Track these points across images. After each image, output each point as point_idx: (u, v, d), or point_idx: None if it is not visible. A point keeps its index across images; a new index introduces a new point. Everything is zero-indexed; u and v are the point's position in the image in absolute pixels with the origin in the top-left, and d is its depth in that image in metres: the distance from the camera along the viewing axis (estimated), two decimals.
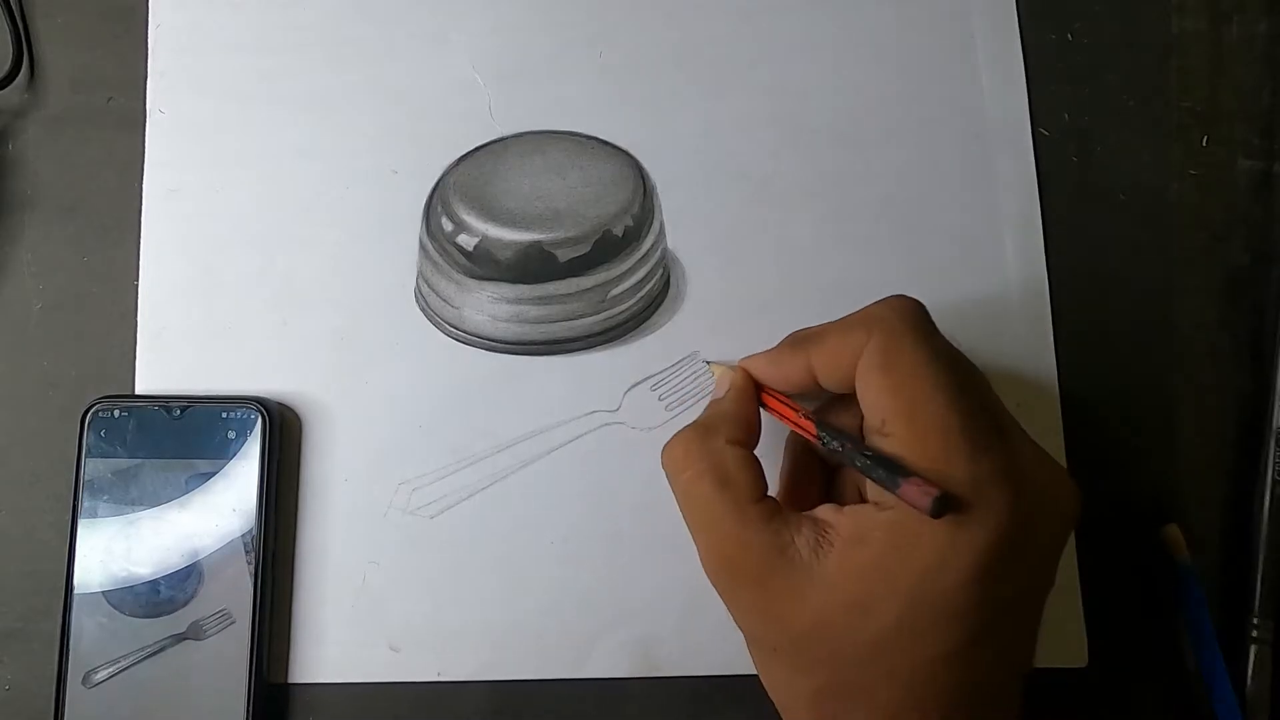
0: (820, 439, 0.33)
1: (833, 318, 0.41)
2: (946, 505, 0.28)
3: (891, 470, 0.30)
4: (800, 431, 0.34)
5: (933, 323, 0.33)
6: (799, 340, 0.35)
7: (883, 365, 0.31)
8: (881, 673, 0.30)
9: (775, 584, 0.31)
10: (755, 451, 0.34)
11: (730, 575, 0.32)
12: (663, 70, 0.43)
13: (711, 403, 0.37)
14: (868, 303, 0.41)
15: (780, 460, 0.37)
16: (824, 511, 0.32)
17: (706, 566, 0.33)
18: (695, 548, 0.33)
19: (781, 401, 0.35)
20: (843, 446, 0.32)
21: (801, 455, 0.37)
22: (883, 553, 0.30)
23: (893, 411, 0.31)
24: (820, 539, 0.31)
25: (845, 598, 0.30)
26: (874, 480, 0.31)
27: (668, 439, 0.35)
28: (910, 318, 0.32)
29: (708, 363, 0.40)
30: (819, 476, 0.37)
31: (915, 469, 0.29)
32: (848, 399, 0.34)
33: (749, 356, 0.36)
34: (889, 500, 0.30)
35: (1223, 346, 0.42)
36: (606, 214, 0.41)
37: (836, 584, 0.30)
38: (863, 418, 0.32)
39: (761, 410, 0.36)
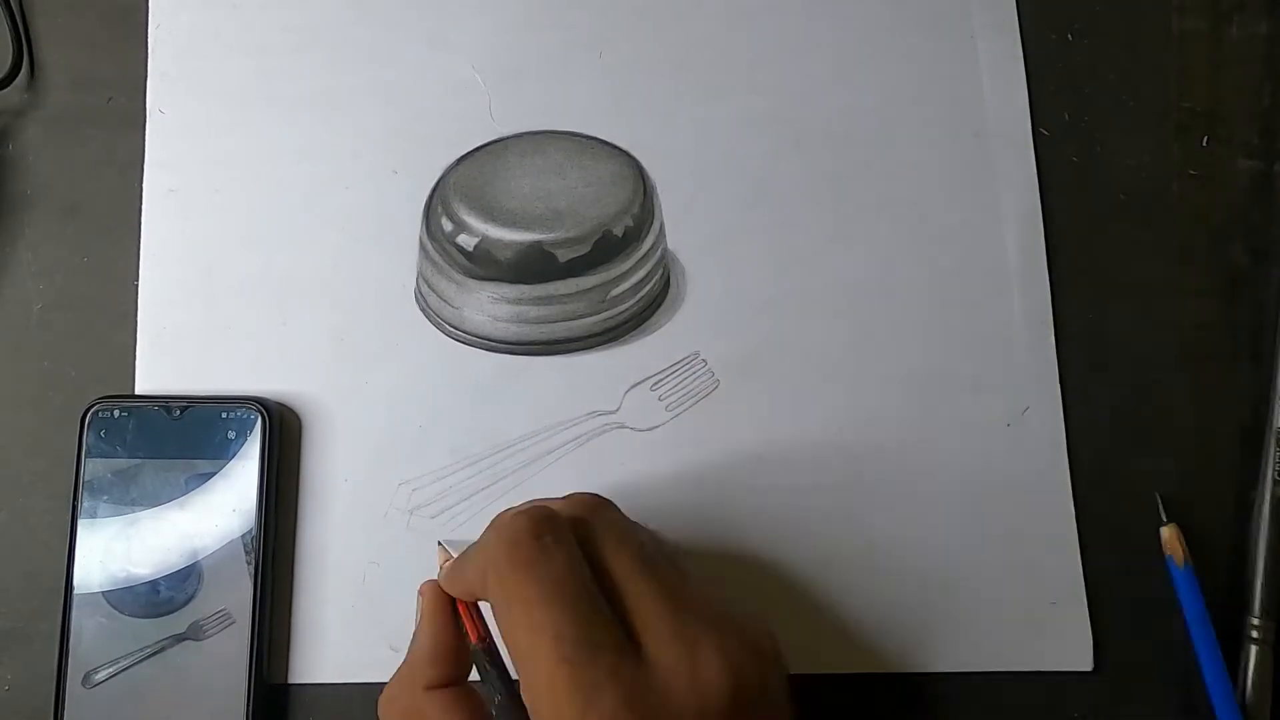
0: (479, 671, 0.32)
1: (832, 318, 0.41)
2: None
3: (502, 708, 0.30)
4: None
5: (548, 539, 0.30)
6: (461, 556, 0.33)
7: (501, 613, 0.29)
8: None
9: None
10: None
11: None
12: (663, 70, 0.43)
13: (413, 638, 0.34)
14: (867, 302, 0.42)
15: None
16: None
17: None
18: None
19: (471, 620, 0.33)
20: (484, 688, 0.31)
21: None
22: None
23: (517, 664, 0.29)
24: None
25: None
26: None
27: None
28: (518, 549, 0.29)
29: (439, 543, 0.36)
30: None
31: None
32: None
33: (448, 562, 0.34)
34: None
35: (1223, 346, 0.42)
36: (607, 214, 0.41)
37: None
38: None
39: None
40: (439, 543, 0.36)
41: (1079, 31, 0.44)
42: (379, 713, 0.33)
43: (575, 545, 0.30)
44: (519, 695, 0.29)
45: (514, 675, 0.30)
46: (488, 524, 0.32)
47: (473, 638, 0.32)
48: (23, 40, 0.42)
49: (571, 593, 0.29)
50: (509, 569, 0.29)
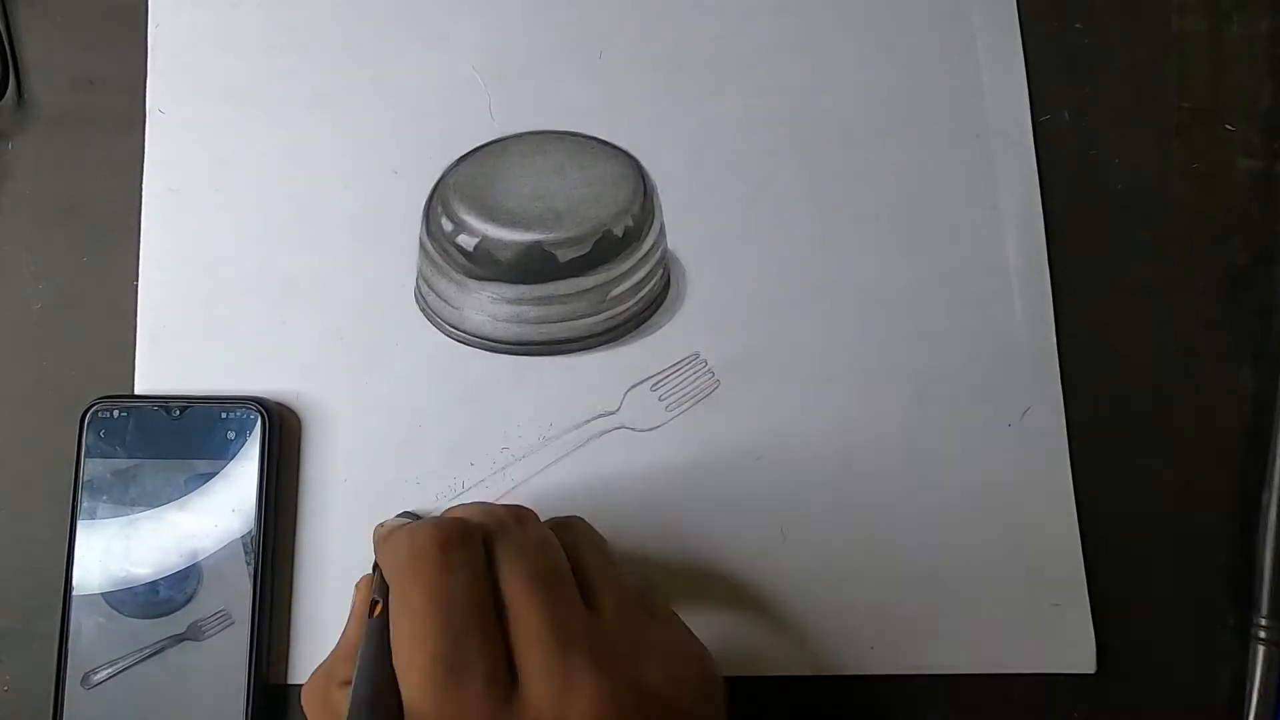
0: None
1: (833, 318, 0.41)
2: None
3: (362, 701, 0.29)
4: None
5: (453, 555, 0.29)
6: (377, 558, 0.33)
7: (393, 617, 0.29)
8: None
9: None
10: None
11: None
12: (663, 70, 0.43)
13: (343, 631, 0.34)
14: (867, 302, 0.42)
15: None
16: None
17: None
18: None
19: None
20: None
21: None
22: None
23: (397, 672, 0.28)
24: None
25: None
26: None
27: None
28: (421, 559, 0.29)
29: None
30: None
31: None
32: None
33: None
34: None
35: (1223, 346, 0.42)
36: (607, 214, 0.41)
37: None
38: None
39: None
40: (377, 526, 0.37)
41: (1079, 30, 0.44)
42: (301, 702, 0.32)
43: (482, 562, 0.30)
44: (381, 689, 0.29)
45: None
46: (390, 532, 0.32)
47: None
48: (6, 45, 0.42)
49: (460, 612, 0.28)
50: (408, 578, 0.29)
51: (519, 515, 0.32)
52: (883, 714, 0.39)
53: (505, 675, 0.28)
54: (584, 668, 0.28)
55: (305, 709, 0.32)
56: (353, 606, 0.35)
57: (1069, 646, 0.39)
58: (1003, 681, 0.39)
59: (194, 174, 0.42)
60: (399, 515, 0.38)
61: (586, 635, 0.29)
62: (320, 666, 0.33)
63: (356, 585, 0.35)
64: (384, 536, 0.34)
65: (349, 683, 0.30)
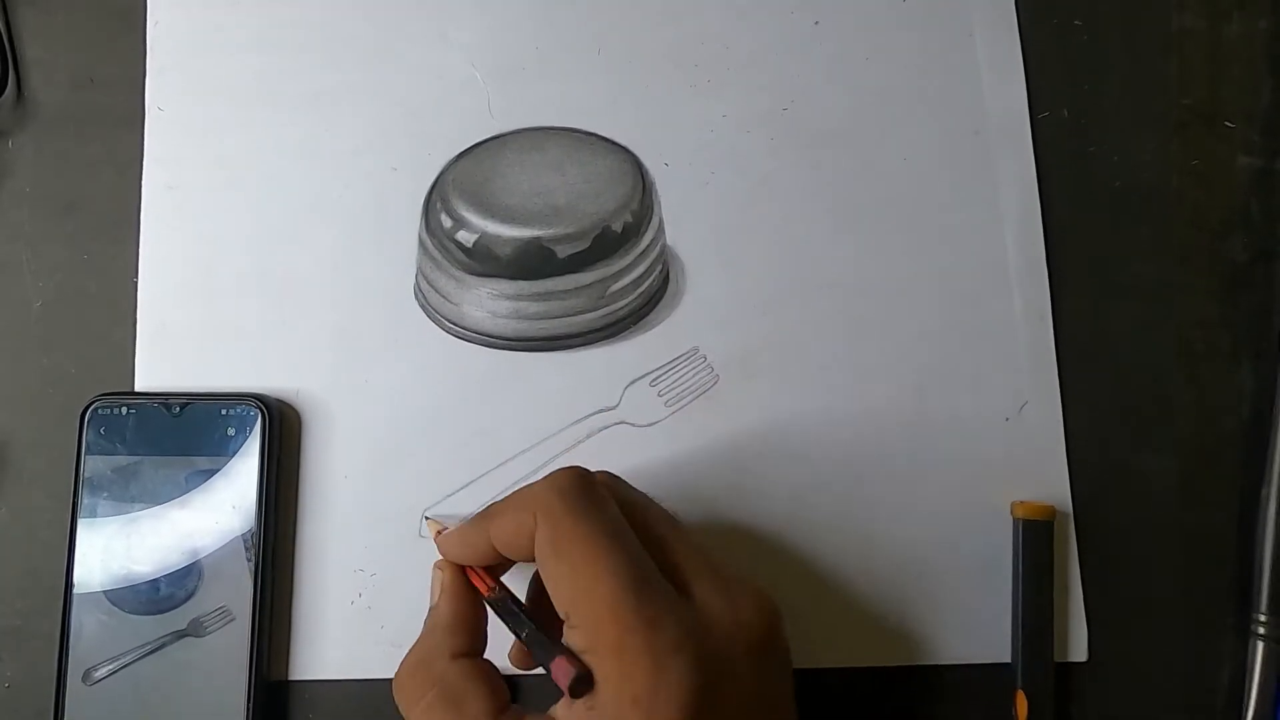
0: (495, 606, 0.33)
1: (832, 313, 0.41)
2: (582, 684, 0.29)
3: (545, 649, 0.31)
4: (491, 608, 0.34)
5: (596, 490, 0.32)
6: (481, 517, 0.34)
7: (552, 555, 0.31)
8: None
9: None
10: None
11: None
12: (662, 66, 0.43)
13: (430, 612, 0.35)
14: (866, 298, 0.42)
15: None
16: (560, 710, 0.31)
17: None
18: None
19: (479, 577, 0.34)
20: (511, 626, 0.33)
21: None
22: None
23: (569, 602, 0.30)
24: None
25: None
26: (535, 659, 0.31)
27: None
28: (572, 498, 0.31)
29: (425, 517, 0.39)
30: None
31: (584, 649, 0.30)
32: None
33: (446, 533, 0.35)
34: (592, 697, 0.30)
35: (1223, 344, 0.42)
36: (606, 210, 0.41)
37: None
38: None
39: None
40: (425, 516, 0.37)
41: (1078, 28, 0.44)
42: (395, 689, 0.33)
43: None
44: (544, 627, 0.32)
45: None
46: (490, 503, 0.34)
47: (484, 590, 0.34)
48: (6, 43, 0.42)
49: (624, 536, 0.31)
50: (563, 512, 0.31)
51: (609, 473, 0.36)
52: (877, 704, 0.39)
53: (679, 588, 0.31)
54: (736, 582, 0.33)
55: (404, 693, 0.33)
56: (441, 586, 0.35)
57: (1062, 636, 0.39)
58: (998, 671, 0.39)
59: (194, 172, 0.42)
60: (434, 518, 0.39)
61: (719, 559, 0.34)
62: (414, 651, 0.34)
63: (436, 565, 0.35)
64: (462, 531, 0.35)
65: (460, 654, 0.32)
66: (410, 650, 0.34)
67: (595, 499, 0.32)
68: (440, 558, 0.35)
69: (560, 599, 0.31)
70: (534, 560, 0.32)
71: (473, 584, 0.34)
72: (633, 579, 0.30)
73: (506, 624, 0.33)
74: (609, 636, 0.29)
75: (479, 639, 0.34)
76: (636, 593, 0.30)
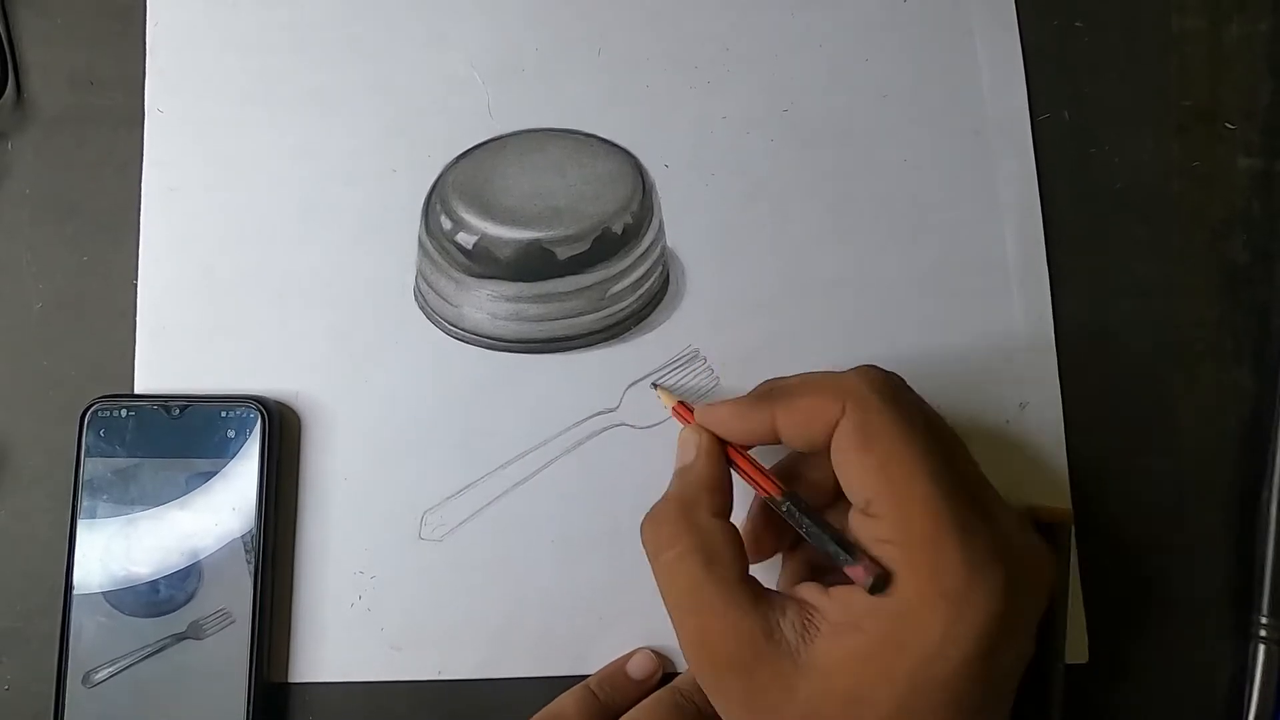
0: (782, 507, 0.33)
1: (831, 314, 0.41)
2: (883, 583, 0.29)
3: (844, 547, 0.30)
4: (763, 495, 0.34)
5: (910, 393, 0.33)
6: (765, 394, 0.34)
7: (862, 444, 0.31)
8: None
9: (762, 673, 0.30)
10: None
11: (715, 662, 0.31)
12: (661, 67, 0.43)
13: (681, 469, 0.35)
14: (866, 298, 0.42)
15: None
16: (807, 592, 0.31)
17: (688, 652, 0.32)
18: (675, 630, 0.32)
19: (751, 464, 0.35)
20: (800, 522, 0.32)
21: (765, 507, 0.36)
22: (877, 641, 0.29)
23: (877, 493, 0.30)
24: (806, 624, 0.30)
25: (837, 689, 0.29)
26: (826, 554, 0.31)
27: (649, 512, 0.34)
28: (886, 391, 0.32)
29: (655, 385, 0.40)
30: (781, 528, 0.36)
31: (891, 549, 0.30)
32: (811, 456, 0.34)
33: (710, 405, 0.35)
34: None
35: (1223, 345, 0.42)
36: (606, 211, 0.41)
37: (827, 674, 0.30)
38: (832, 477, 0.32)
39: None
40: (654, 385, 0.39)
41: (1078, 28, 0.44)
42: (646, 531, 0.34)
43: None
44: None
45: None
46: (765, 383, 0.35)
47: (775, 491, 0.33)
48: (5, 44, 0.42)
49: (938, 438, 0.32)
50: (880, 403, 0.31)
51: None
52: None
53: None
54: (1031, 529, 0.35)
55: (658, 537, 0.33)
56: (697, 449, 0.35)
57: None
58: None
59: (194, 173, 0.42)
60: (661, 389, 0.39)
61: None
62: (668, 500, 0.34)
63: (688, 429, 0.36)
64: (738, 406, 0.35)
65: (719, 514, 0.33)
66: (662, 500, 0.34)
67: (909, 398, 0.32)
68: (691, 423, 0.36)
69: (864, 487, 0.31)
70: (816, 449, 0.32)
71: (731, 457, 0.35)
72: (948, 481, 0.30)
73: (791, 521, 0.33)
74: (923, 530, 0.29)
75: (729, 504, 0.34)
76: (952, 496, 0.30)
